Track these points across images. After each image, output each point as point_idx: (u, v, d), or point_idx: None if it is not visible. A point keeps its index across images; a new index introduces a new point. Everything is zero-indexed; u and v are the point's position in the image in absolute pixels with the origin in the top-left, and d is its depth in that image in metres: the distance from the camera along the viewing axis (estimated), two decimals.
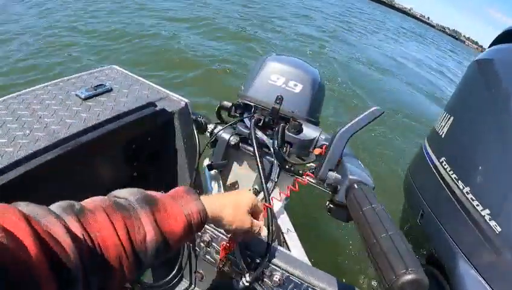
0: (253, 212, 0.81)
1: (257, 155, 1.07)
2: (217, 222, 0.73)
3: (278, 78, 1.23)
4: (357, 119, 0.82)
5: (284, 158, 1.14)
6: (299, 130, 1.17)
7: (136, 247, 0.54)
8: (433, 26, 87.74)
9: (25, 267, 0.35)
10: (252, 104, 1.25)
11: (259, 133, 1.17)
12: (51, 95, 1.06)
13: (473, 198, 1.00)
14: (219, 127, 1.28)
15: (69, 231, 0.44)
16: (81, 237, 0.46)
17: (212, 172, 1.37)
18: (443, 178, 1.17)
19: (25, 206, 0.44)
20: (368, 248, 0.59)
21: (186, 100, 1.22)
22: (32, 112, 0.97)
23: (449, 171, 1.15)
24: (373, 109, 0.82)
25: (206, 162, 1.36)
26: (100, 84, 1.15)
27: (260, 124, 1.18)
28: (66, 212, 0.48)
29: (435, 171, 1.24)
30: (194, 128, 1.24)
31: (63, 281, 0.40)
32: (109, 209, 0.54)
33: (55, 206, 0.49)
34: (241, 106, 1.27)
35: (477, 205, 0.98)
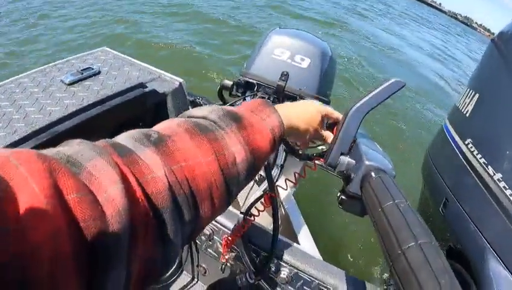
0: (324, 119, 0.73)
1: None
2: (292, 135, 0.65)
3: (282, 53, 1.11)
4: (373, 93, 0.68)
5: (290, 141, 1.03)
6: None
7: (227, 173, 0.46)
8: (444, 12, 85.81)
9: (23, 262, 0.23)
10: (254, 81, 1.13)
11: None
12: (35, 83, 0.99)
13: (506, 186, 0.88)
14: None
15: (123, 179, 0.32)
16: (163, 173, 0.37)
17: None
18: (469, 162, 1.05)
19: (76, 145, 0.34)
20: (390, 261, 0.46)
21: (181, 80, 1.11)
22: (13, 101, 0.91)
23: (476, 154, 1.03)
24: (392, 81, 0.67)
25: None
26: (87, 68, 1.07)
27: None
28: (143, 144, 0.39)
29: (459, 154, 1.11)
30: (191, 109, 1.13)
31: (94, 260, 0.28)
32: (191, 133, 0.44)
33: (125, 138, 0.40)
34: (242, 84, 1.16)
35: (511, 195, 0.86)
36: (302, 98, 1.04)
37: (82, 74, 1.05)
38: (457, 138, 1.15)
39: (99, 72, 1.08)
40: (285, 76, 1.03)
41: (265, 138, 0.53)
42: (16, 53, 4.49)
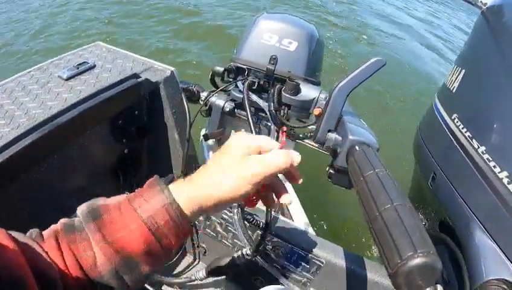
0: (262, 150, 0.51)
1: (250, 119, 0.98)
2: (220, 207, 0.49)
3: (270, 37, 1.13)
4: (356, 71, 0.72)
5: (282, 122, 1.06)
6: (297, 91, 1.07)
7: (90, 275, 0.44)
8: None
9: (15, 270, 0.36)
10: (245, 67, 1.16)
11: (254, 97, 1.08)
12: (33, 80, 1.03)
13: (490, 158, 0.90)
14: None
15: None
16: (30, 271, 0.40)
17: (210, 142, 1.31)
18: (456, 137, 1.07)
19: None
20: (370, 222, 0.50)
21: (172, 68, 1.15)
22: (14, 99, 0.95)
23: (462, 128, 1.05)
24: (374, 59, 0.71)
25: (204, 132, 1.30)
26: (83, 62, 1.11)
27: (255, 87, 1.10)
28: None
29: (446, 129, 1.14)
30: (184, 97, 1.17)
31: (45, 285, 0.39)
32: (59, 234, 0.45)
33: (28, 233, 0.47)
34: (233, 69, 1.18)
35: (494, 167, 0.88)
36: (291, 80, 1.06)
37: (78, 68, 1.08)
38: (444, 114, 1.18)
39: (94, 66, 1.11)
40: (274, 60, 1.05)
41: (134, 233, 0.43)
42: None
